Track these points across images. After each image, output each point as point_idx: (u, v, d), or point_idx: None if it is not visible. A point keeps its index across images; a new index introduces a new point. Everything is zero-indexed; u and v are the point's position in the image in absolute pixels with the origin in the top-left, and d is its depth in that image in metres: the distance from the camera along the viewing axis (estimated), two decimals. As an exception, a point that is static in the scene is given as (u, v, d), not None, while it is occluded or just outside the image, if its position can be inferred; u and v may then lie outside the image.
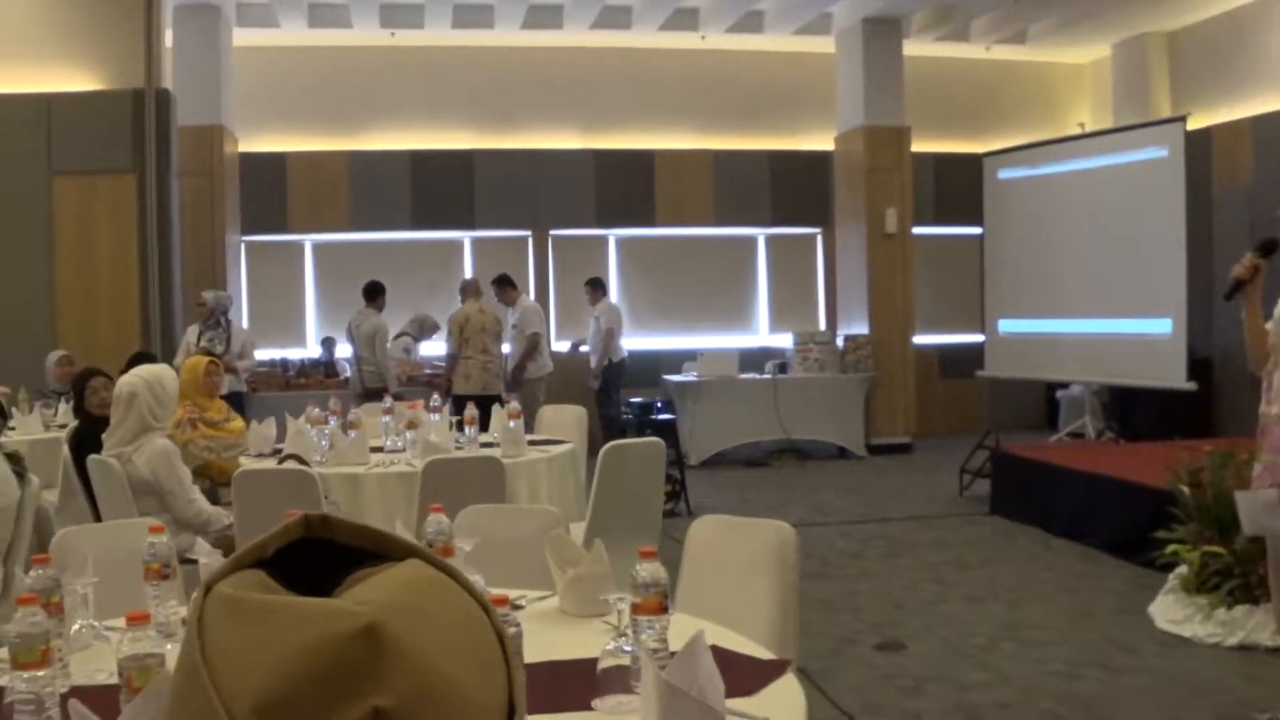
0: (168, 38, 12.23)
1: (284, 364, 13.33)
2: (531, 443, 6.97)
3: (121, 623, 3.09)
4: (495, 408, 8.09)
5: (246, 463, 6.74)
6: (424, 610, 0.73)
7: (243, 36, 14.10)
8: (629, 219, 15.57)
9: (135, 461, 5.79)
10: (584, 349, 13.85)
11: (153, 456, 5.78)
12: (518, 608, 3.27)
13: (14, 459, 5.42)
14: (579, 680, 2.52)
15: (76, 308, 11.27)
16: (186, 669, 0.71)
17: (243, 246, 14.44)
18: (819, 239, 16.25)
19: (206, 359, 7.65)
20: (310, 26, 14.49)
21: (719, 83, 15.79)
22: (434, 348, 13.59)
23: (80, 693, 2.52)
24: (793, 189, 15.90)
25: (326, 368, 13.32)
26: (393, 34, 14.88)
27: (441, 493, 5.36)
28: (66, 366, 10.33)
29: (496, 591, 3.23)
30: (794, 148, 15.93)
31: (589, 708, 2.41)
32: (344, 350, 12.83)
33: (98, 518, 6.40)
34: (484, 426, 7.56)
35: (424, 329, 13.55)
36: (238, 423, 7.60)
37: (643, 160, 15.58)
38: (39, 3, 11.45)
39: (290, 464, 6.04)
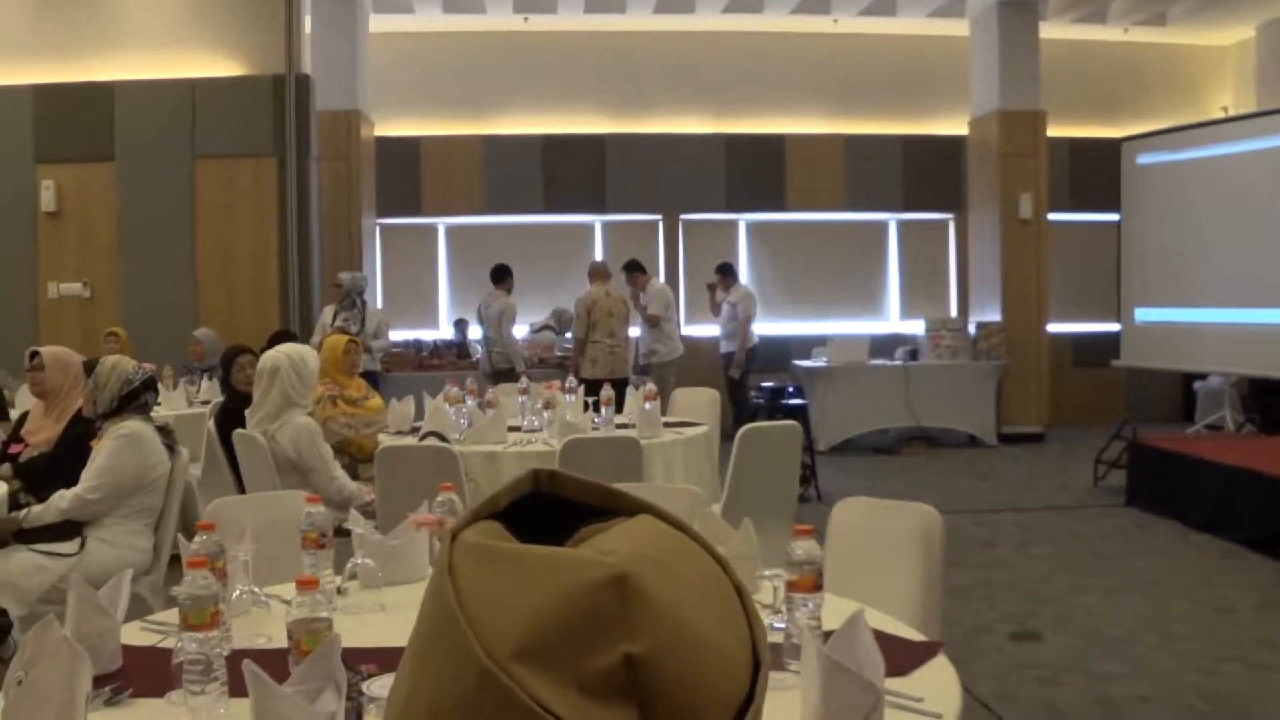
0: (306, 24, 12.46)
1: (418, 345, 13.54)
2: (665, 424, 6.99)
3: (279, 590, 3.18)
4: (630, 390, 8.12)
5: (385, 440, 6.85)
6: (666, 563, 0.75)
7: (379, 22, 14.32)
8: (759, 204, 15.53)
9: (279, 439, 5.93)
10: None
11: (296, 434, 5.90)
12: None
13: (165, 432, 5.60)
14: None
15: (217, 287, 11.56)
16: (440, 614, 0.73)
17: (377, 229, 14.68)
18: (951, 225, 16.06)
19: (346, 338, 7.78)
20: (445, 12, 14.68)
21: (851, 66, 15.68)
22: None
23: (243, 656, 2.58)
24: (925, 174, 15.73)
25: (459, 349, 13.50)
26: (525, 19, 15.00)
27: (579, 472, 5.40)
28: (195, 346, 10.58)
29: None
30: (926, 132, 15.75)
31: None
32: (475, 332, 12.97)
33: (241, 491, 6.57)
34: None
35: (563, 321, 13.58)
36: (376, 400, 7.72)
37: (774, 145, 15.52)
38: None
39: (431, 441, 6.13)
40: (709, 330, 14.22)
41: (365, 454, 7.14)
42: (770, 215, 15.66)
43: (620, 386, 9.36)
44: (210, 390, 9.49)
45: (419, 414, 7.54)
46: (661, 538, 0.79)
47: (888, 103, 15.75)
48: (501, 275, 12.02)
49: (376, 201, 14.38)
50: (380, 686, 2.28)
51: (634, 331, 12.32)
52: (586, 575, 0.71)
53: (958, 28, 15.17)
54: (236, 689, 2.28)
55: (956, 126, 15.40)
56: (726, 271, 13.49)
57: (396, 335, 13.00)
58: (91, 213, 11.66)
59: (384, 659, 2.53)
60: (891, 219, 16.01)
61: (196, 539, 2.82)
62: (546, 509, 0.84)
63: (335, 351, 7.51)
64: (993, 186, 14.51)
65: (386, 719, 0.78)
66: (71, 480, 5.44)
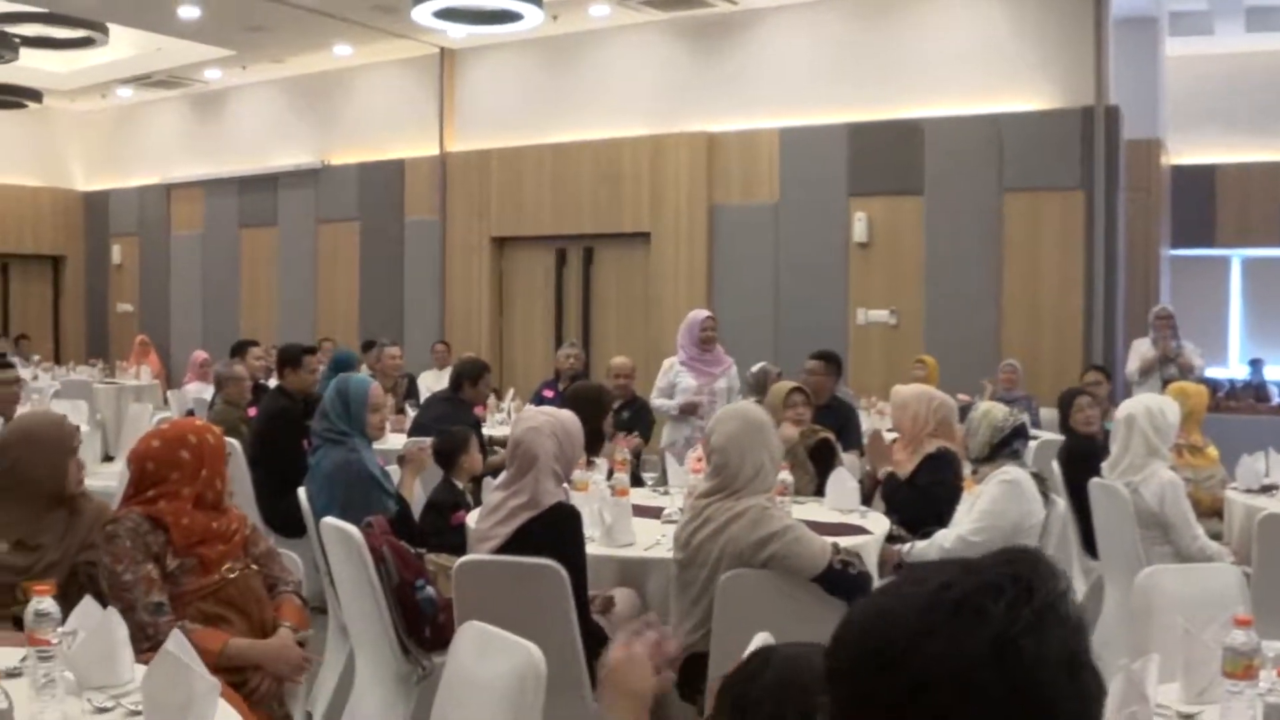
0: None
1: (1213, 383, 13.03)
2: None
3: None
4: None
5: (1237, 497, 6.66)
6: None
7: (1175, 46, 13.92)
8: None
9: (1142, 491, 5.87)
10: None
11: (1161, 488, 5.81)
12: None
13: (1039, 479, 5.73)
14: None
15: (1020, 318, 11.63)
16: None
17: (1169, 260, 14.28)
18: None
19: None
20: (1247, 31, 14.01)
21: None
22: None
23: None
24: None
25: (1256, 390, 12.86)
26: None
27: None
28: (1009, 374, 10.68)
29: None
30: None
31: None
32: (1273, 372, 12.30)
33: (1087, 541, 6.63)
34: None
35: None
36: (1213, 450, 7.49)
37: None
38: (991, 29, 11.96)
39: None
40: None
41: (1202, 509, 6.92)
42: None
43: None
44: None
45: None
46: None
47: None
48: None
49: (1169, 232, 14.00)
50: None
51: None
52: None
53: None
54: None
55: None
56: None
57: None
58: (900, 244, 12.18)
59: None
60: None
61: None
62: None
63: (1201, 398, 7.37)
64: None
65: None
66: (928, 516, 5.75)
